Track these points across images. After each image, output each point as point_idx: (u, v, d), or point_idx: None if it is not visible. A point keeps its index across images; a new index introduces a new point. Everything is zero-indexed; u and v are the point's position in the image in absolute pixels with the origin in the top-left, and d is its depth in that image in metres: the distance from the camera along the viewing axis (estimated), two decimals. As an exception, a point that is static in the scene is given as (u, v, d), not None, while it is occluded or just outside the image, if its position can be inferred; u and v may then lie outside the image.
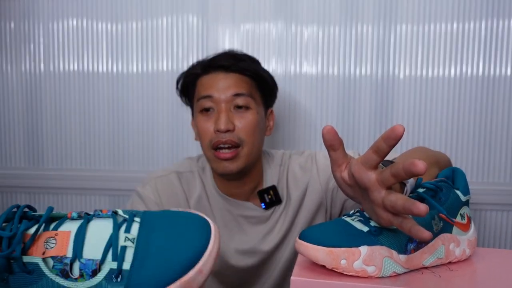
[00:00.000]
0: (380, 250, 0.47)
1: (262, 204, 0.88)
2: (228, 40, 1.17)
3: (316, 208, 0.89)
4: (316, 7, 1.14)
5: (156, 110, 1.21)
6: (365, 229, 0.48)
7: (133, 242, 0.36)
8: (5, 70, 1.24)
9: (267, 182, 0.90)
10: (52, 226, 0.37)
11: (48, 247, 0.35)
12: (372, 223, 0.49)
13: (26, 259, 0.35)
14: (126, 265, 0.35)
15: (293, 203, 0.89)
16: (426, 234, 0.42)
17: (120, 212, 0.39)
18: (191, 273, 0.35)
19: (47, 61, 1.23)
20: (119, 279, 0.35)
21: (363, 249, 0.46)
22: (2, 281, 0.35)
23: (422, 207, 0.39)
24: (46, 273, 0.35)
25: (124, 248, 0.36)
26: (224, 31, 1.17)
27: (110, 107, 1.22)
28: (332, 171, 0.49)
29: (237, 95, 0.83)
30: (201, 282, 0.36)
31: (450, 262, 0.53)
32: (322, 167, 0.89)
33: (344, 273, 0.46)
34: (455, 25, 1.10)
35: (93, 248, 0.36)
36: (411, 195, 0.52)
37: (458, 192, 0.54)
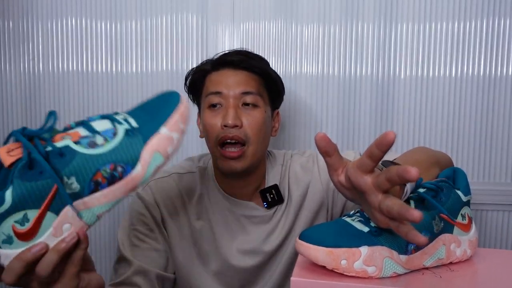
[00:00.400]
0: (381, 251, 0.46)
1: (264, 203, 0.88)
2: (228, 39, 1.17)
3: (317, 208, 0.88)
4: (316, 6, 1.13)
5: (155, 110, 1.21)
6: (366, 229, 0.48)
7: (129, 115, 0.49)
8: (4, 69, 1.24)
9: (269, 182, 0.89)
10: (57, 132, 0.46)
11: (67, 138, 0.44)
12: (373, 224, 0.48)
13: (58, 144, 0.43)
14: (134, 124, 0.47)
15: (294, 203, 0.88)
16: (422, 239, 0.42)
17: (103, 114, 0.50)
18: (181, 105, 0.49)
19: (46, 61, 1.23)
20: (134, 132, 0.46)
21: (364, 249, 0.46)
22: (39, 174, 0.41)
23: (416, 214, 0.40)
24: (77, 150, 0.44)
25: (125, 119, 0.48)
26: (224, 30, 1.17)
27: (110, 107, 1.22)
28: (330, 175, 0.50)
29: (246, 93, 0.83)
30: (188, 114, 0.50)
31: (451, 263, 0.52)
32: (323, 167, 0.89)
33: (345, 273, 0.46)
34: (455, 25, 1.10)
35: (103, 125, 0.47)
36: (411, 195, 0.52)
37: (459, 192, 0.54)
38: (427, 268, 0.51)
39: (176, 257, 0.87)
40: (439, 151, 0.72)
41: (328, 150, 0.46)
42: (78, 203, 0.44)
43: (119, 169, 0.45)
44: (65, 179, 0.42)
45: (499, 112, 1.11)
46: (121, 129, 0.46)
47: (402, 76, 1.13)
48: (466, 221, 0.54)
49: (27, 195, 0.41)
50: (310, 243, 0.47)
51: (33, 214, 0.42)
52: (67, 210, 0.43)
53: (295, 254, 0.87)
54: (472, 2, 1.09)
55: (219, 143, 0.82)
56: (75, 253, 0.48)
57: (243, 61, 0.84)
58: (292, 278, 0.46)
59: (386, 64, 1.13)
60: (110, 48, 1.20)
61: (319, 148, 0.47)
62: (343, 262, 0.46)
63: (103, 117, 0.48)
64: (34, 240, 0.43)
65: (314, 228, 0.51)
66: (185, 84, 0.91)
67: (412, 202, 0.51)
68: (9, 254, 0.43)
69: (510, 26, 1.08)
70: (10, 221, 0.41)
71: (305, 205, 0.89)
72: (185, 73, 1.19)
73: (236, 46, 1.16)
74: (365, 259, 0.46)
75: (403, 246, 0.48)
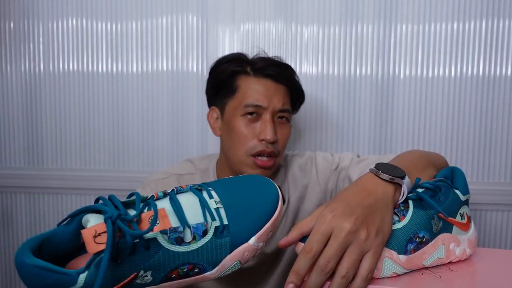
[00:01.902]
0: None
1: None
2: (228, 40, 1.17)
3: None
4: (316, 7, 1.14)
5: (156, 110, 1.21)
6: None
7: (221, 204, 0.44)
8: (4, 70, 1.24)
9: None
10: (145, 208, 0.42)
11: (155, 224, 0.41)
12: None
13: (146, 236, 0.40)
14: (225, 221, 0.44)
15: (292, 204, 0.89)
16: None
17: (195, 185, 0.46)
18: (276, 212, 0.46)
19: (47, 61, 1.23)
20: (223, 233, 0.43)
21: (363, 249, 0.46)
22: (119, 264, 0.39)
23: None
24: (163, 245, 0.40)
25: (217, 209, 0.44)
26: (224, 31, 1.17)
27: (110, 107, 1.22)
28: None
29: (283, 110, 0.84)
30: (279, 219, 0.49)
31: (450, 262, 0.53)
32: (321, 169, 0.89)
33: (344, 273, 0.46)
34: (455, 25, 1.10)
35: (193, 214, 0.43)
36: (410, 195, 0.52)
37: (457, 191, 0.54)
38: (426, 268, 0.51)
39: None
40: (433, 152, 0.73)
41: (296, 240, 0.49)
42: None
43: (196, 270, 0.43)
44: (142, 272, 0.40)
45: (498, 112, 1.11)
46: (212, 227, 0.43)
47: (402, 76, 1.13)
48: (465, 221, 0.54)
49: (103, 281, 0.38)
50: (310, 243, 0.47)
51: None
52: None
53: (295, 254, 0.87)
54: (472, 2, 1.09)
55: (252, 154, 0.82)
56: None
57: (285, 76, 0.84)
58: (292, 278, 0.46)
59: (386, 64, 1.13)
60: (110, 48, 1.21)
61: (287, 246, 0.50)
62: (343, 262, 0.46)
63: (191, 189, 0.45)
64: None
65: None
66: (209, 82, 0.89)
67: (410, 202, 0.51)
68: None
69: (510, 26, 1.08)
70: None
71: (303, 207, 0.89)
72: (185, 73, 1.20)
73: (236, 46, 1.16)
74: (364, 259, 0.46)
75: (403, 246, 0.48)
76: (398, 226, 0.49)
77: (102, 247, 0.37)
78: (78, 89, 1.23)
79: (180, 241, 0.41)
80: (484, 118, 1.11)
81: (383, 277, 0.47)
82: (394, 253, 0.47)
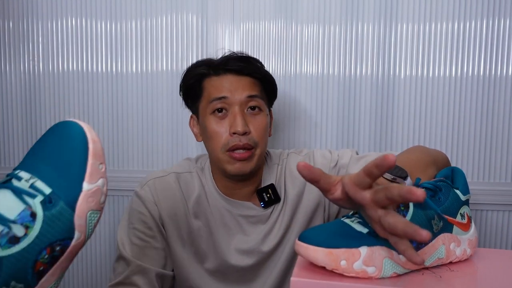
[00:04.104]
0: (380, 251, 0.46)
1: (261, 203, 0.88)
2: (228, 40, 1.17)
3: (314, 207, 0.89)
4: (316, 6, 1.13)
5: (155, 109, 1.21)
6: (365, 230, 0.48)
7: (34, 177, 0.40)
8: (3, 69, 1.24)
9: (266, 181, 0.90)
10: None
11: None
12: (372, 224, 0.48)
13: None
14: (47, 190, 0.39)
15: (291, 202, 0.89)
16: (419, 259, 0.41)
17: (1, 180, 0.41)
18: (90, 145, 0.41)
19: (46, 61, 1.23)
20: (54, 201, 0.39)
21: (363, 249, 0.46)
22: None
23: (424, 234, 0.39)
24: (1, 256, 0.35)
25: (32, 185, 0.39)
26: (224, 30, 1.17)
27: (109, 106, 1.22)
28: (324, 195, 0.49)
29: (250, 96, 0.83)
30: (101, 147, 0.42)
31: (451, 262, 0.52)
32: (319, 166, 0.89)
33: (344, 274, 0.46)
34: (455, 25, 1.10)
35: (10, 208, 0.38)
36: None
37: (457, 191, 0.54)
38: (427, 268, 0.51)
39: (175, 255, 0.87)
40: (436, 150, 0.72)
41: (313, 177, 0.46)
42: None
43: (57, 248, 0.39)
44: (12, 286, 0.36)
45: (499, 112, 1.11)
46: (37, 205, 0.38)
47: (402, 76, 1.13)
48: (465, 221, 0.54)
49: None
50: (309, 244, 0.47)
51: None
52: None
53: (293, 253, 0.87)
54: (472, 2, 1.09)
55: (227, 150, 0.82)
56: None
57: (245, 68, 0.84)
58: (292, 279, 0.46)
59: (386, 64, 1.13)
60: (110, 48, 1.20)
61: (304, 178, 0.46)
62: (343, 262, 0.45)
63: (3, 187, 0.39)
64: None
65: (313, 229, 0.50)
66: (181, 89, 0.91)
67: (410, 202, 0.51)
68: None
69: (510, 26, 1.08)
70: None
71: (301, 204, 0.89)
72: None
73: (236, 46, 1.16)
74: (364, 259, 0.46)
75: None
76: (398, 226, 0.48)
77: None
78: (78, 89, 1.23)
79: (14, 240, 0.36)
80: (485, 118, 1.11)
81: (383, 277, 0.47)
82: (394, 253, 0.47)
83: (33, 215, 0.38)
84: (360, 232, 0.48)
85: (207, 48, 1.18)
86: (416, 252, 0.41)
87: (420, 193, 0.38)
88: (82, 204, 0.40)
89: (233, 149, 0.81)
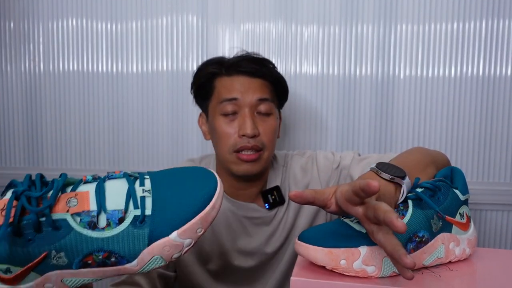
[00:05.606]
0: (380, 250, 0.46)
1: (266, 204, 0.88)
2: (228, 40, 1.17)
3: (316, 209, 0.89)
4: (316, 7, 1.14)
5: (156, 110, 1.21)
6: (364, 230, 0.48)
7: (149, 193, 0.42)
8: (4, 70, 1.24)
9: (271, 183, 0.90)
10: (69, 188, 0.41)
11: (71, 205, 0.40)
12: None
13: (54, 216, 0.39)
14: (148, 211, 0.41)
15: (293, 204, 0.89)
16: (409, 275, 0.41)
17: (130, 172, 0.44)
18: (207, 208, 0.42)
19: (46, 61, 1.23)
20: (143, 224, 0.40)
21: (363, 249, 0.46)
22: (28, 241, 0.38)
23: (409, 263, 0.39)
24: (74, 227, 0.39)
25: (143, 198, 0.41)
26: (224, 31, 1.17)
27: (109, 107, 1.22)
28: (323, 209, 0.51)
29: (261, 100, 0.83)
30: (214, 216, 0.43)
31: (450, 262, 0.53)
32: (322, 168, 0.89)
33: (344, 273, 0.46)
34: (455, 25, 1.10)
35: (115, 201, 0.41)
36: (409, 195, 0.52)
37: (456, 191, 0.54)
38: (426, 268, 0.51)
39: None
40: (435, 151, 0.73)
41: (307, 201, 0.48)
42: (64, 272, 0.40)
43: (113, 259, 0.40)
44: (54, 252, 0.39)
45: (498, 112, 1.11)
46: (130, 216, 0.40)
47: (402, 76, 1.13)
48: (464, 220, 0.54)
49: (11, 256, 0.38)
50: (309, 243, 0.47)
51: (15, 270, 0.39)
52: (52, 274, 0.40)
53: (295, 254, 0.87)
54: (472, 2, 1.09)
55: (235, 151, 0.82)
56: None
57: (258, 70, 0.84)
58: (292, 278, 0.46)
59: (386, 64, 1.13)
60: (110, 48, 1.21)
61: (299, 203, 0.48)
62: (343, 262, 0.46)
63: (125, 175, 0.43)
64: (18, 286, 0.40)
65: (313, 229, 0.51)
66: (192, 86, 0.90)
67: (410, 202, 0.51)
68: None
69: (510, 26, 1.08)
70: None
71: (304, 206, 0.89)
72: (185, 73, 1.20)
73: (236, 46, 1.16)
74: (364, 259, 0.46)
75: (402, 246, 0.48)
76: (397, 226, 0.49)
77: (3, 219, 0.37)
78: (78, 89, 1.23)
79: (93, 225, 0.39)
80: (484, 118, 1.11)
81: (383, 277, 0.47)
82: (394, 253, 0.47)
83: (121, 220, 0.40)
84: (360, 232, 0.48)
85: (207, 49, 1.18)
86: (406, 269, 0.41)
87: (401, 225, 0.38)
88: (158, 246, 0.41)
89: (240, 150, 0.81)
